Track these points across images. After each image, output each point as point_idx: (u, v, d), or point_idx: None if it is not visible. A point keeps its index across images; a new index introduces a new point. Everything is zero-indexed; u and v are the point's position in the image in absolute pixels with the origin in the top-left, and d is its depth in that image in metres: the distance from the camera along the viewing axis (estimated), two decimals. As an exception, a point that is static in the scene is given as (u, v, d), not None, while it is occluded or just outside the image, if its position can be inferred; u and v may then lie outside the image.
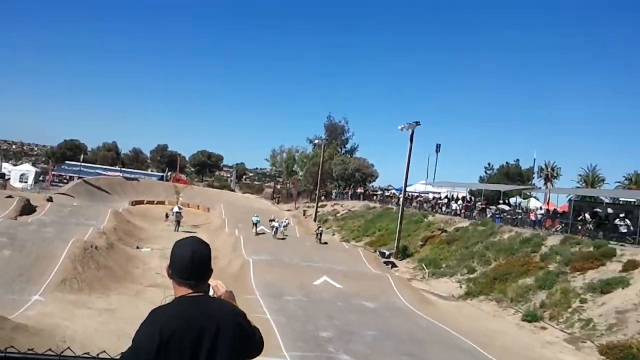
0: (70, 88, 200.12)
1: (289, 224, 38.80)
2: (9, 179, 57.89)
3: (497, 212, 38.56)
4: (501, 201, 45.47)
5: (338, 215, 53.23)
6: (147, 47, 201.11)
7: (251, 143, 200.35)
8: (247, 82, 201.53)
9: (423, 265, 32.17)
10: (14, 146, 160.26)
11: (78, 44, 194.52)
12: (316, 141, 70.12)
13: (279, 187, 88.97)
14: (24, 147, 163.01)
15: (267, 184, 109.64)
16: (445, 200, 47.00)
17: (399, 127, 37.69)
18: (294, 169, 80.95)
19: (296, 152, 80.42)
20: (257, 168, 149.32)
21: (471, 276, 28.78)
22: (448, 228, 37.30)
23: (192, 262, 2.64)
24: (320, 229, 37.15)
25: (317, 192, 57.55)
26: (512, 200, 47.15)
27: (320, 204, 57.00)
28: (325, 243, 34.94)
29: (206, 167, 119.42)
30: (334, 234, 46.23)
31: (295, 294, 21.78)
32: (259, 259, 25.57)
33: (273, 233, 34.65)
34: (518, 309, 23.39)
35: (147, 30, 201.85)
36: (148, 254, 28.53)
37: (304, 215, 56.29)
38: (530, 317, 22.16)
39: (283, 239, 34.07)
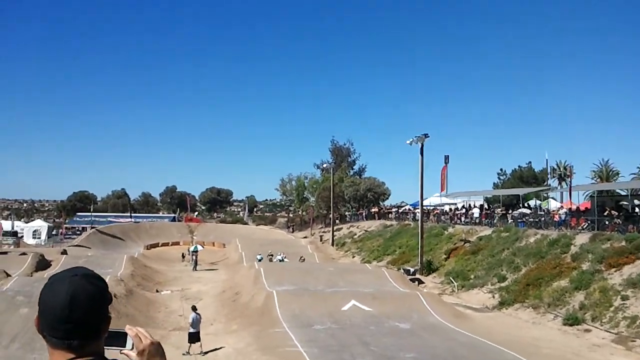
0: (74, 140, 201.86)
1: (285, 257, 40.77)
2: (22, 236, 57.71)
3: (519, 216, 37.63)
4: (520, 205, 44.57)
5: (355, 237, 52.35)
6: (147, 88, 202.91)
7: (259, 175, 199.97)
8: (248, 113, 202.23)
9: (451, 278, 31.21)
10: (25, 204, 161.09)
11: (76, 93, 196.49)
12: (324, 165, 69.52)
13: (292, 215, 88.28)
14: (35, 204, 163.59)
15: (279, 214, 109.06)
16: (463, 211, 46.11)
17: (408, 142, 37.00)
18: (304, 195, 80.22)
19: (305, 179, 79.80)
20: (266, 199, 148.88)
21: (502, 285, 27.83)
22: (470, 238, 36.39)
23: (69, 311, 1.68)
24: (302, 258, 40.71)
25: (331, 216, 56.76)
26: (531, 203, 46.19)
27: (335, 227, 56.15)
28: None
29: (217, 203, 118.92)
30: (353, 257, 45.40)
31: (324, 322, 20.97)
32: (282, 289, 24.77)
33: None
34: (557, 314, 22.42)
35: (146, 72, 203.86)
36: (168, 297, 27.99)
37: (320, 240, 55.54)
38: (572, 321, 21.20)
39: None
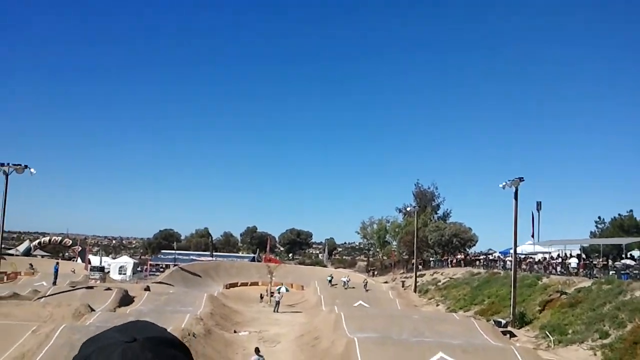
0: (161, 180, 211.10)
1: (349, 280, 51.57)
2: (109, 271, 59.30)
3: (622, 267, 34.47)
4: (622, 256, 41.05)
5: (439, 284, 50.05)
6: (229, 129, 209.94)
7: (339, 218, 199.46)
8: (329, 154, 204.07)
9: (547, 332, 28.65)
10: (113, 241, 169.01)
11: (159, 135, 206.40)
12: (408, 209, 67.67)
13: (372, 259, 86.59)
14: (123, 242, 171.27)
15: (357, 258, 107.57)
16: (559, 260, 43.01)
17: (501, 185, 35.14)
18: (386, 239, 78.44)
19: (387, 223, 78.16)
20: (345, 243, 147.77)
21: (605, 341, 25.14)
22: (567, 289, 33.59)
23: None
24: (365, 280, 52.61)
25: (414, 261, 54.75)
26: (634, 254, 42.46)
27: (418, 273, 54.06)
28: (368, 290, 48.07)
29: (296, 245, 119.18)
30: (437, 305, 43.23)
31: (410, 375, 19.45)
32: (364, 336, 23.45)
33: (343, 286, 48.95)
34: (675, 379, 19.73)
35: (228, 112, 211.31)
36: (247, 338, 27.24)
37: (402, 286, 53.59)
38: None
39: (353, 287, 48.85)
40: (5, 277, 49.85)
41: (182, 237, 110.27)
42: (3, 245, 39.06)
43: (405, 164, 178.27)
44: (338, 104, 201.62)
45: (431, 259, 64.85)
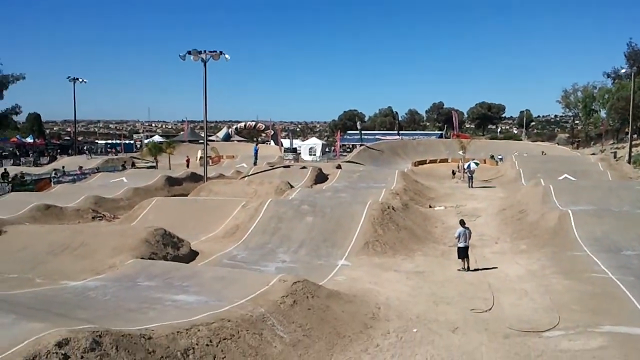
0: (343, 61, 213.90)
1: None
2: (300, 153, 62.21)
3: None
4: None
5: (660, 153, 44.11)
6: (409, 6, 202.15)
7: (531, 89, 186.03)
8: (523, 19, 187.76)
9: None
10: (299, 126, 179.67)
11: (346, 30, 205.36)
12: (622, 71, 58.40)
13: (575, 131, 79.10)
14: (308, 125, 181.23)
15: (556, 130, 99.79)
16: None
17: None
18: (593, 107, 69.87)
19: (594, 89, 69.21)
20: (539, 116, 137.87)
21: None
22: None
23: None
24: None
25: (627, 130, 48.23)
26: None
27: (633, 143, 47.60)
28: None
29: (486, 119, 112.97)
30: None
31: (636, 248, 17.12)
32: (579, 209, 21.27)
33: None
34: None
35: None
36: (443, 213, 26.41)
37: (614, 157, 48.11)
38: None
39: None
40: (210, 161, 54.76)
41: (366, 118, 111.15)
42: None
43: (611, 22, 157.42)
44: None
45: (649, 127, 56.79)
